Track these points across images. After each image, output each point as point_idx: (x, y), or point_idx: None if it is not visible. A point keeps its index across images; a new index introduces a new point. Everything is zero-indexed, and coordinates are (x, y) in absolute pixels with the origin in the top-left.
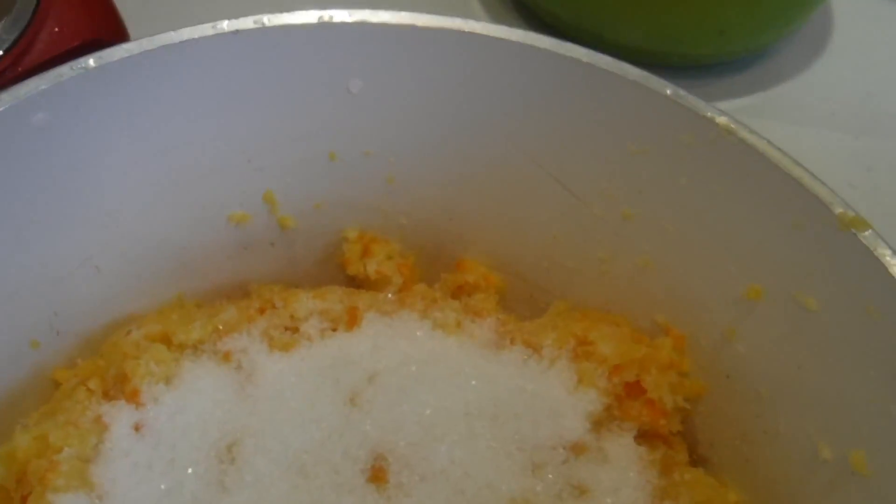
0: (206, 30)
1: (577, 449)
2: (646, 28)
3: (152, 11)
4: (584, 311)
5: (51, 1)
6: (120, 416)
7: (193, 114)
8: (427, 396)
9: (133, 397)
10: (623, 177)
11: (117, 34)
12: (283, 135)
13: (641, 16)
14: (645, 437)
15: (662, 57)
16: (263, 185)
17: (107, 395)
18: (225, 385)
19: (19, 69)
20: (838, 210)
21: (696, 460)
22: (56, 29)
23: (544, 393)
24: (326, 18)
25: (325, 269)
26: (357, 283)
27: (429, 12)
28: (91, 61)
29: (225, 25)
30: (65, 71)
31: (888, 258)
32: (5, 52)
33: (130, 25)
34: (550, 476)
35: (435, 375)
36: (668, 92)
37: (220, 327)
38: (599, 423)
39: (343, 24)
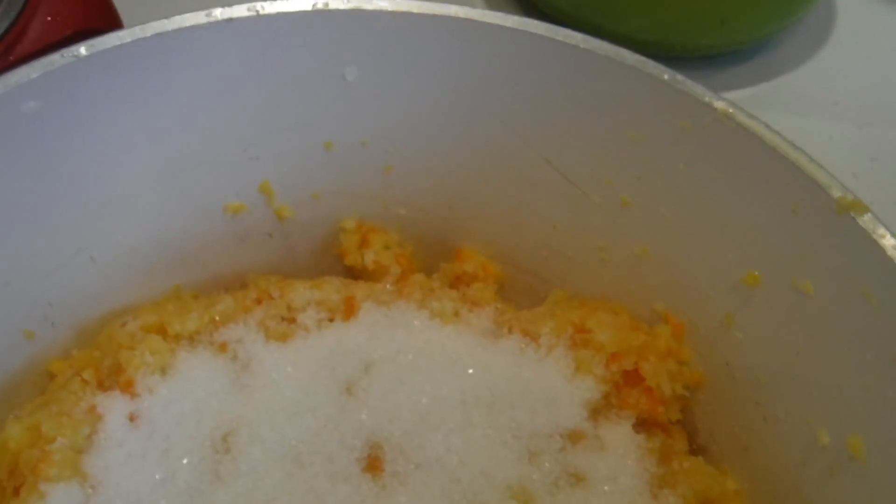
0: (199, 18)
1: (574, 437)
2: (646, 18)
3: None
4: (582, 300)
5: None
6: (114, 407)
7: (187, 103)
8: (423, 385)
9: (128, 387)
10: (621, 163)
11: (110, 23)
12: (278, 124)
13: (642, 5)
14: (643, 425)
15: (663, 47)
16: (260, 176)
17: (102, 386)
18: (220, 375)
19: (10, 58)
20: (837, 193)
21: (696, 449)
22: (48, 18)
23: (541, 381)
24: (321, 5)
25: (323, 259)
26: (355, 273)
27: None
28: (83, 49)
29: (219, 13)
30: (56, 59)
31: (887, 241)
32: None
33: (124, 14)
34: (547, 464)
35: (431, 364)
36: (666, 77)
37: (217, 318)
38: (597, 412)
39: (338, 11)
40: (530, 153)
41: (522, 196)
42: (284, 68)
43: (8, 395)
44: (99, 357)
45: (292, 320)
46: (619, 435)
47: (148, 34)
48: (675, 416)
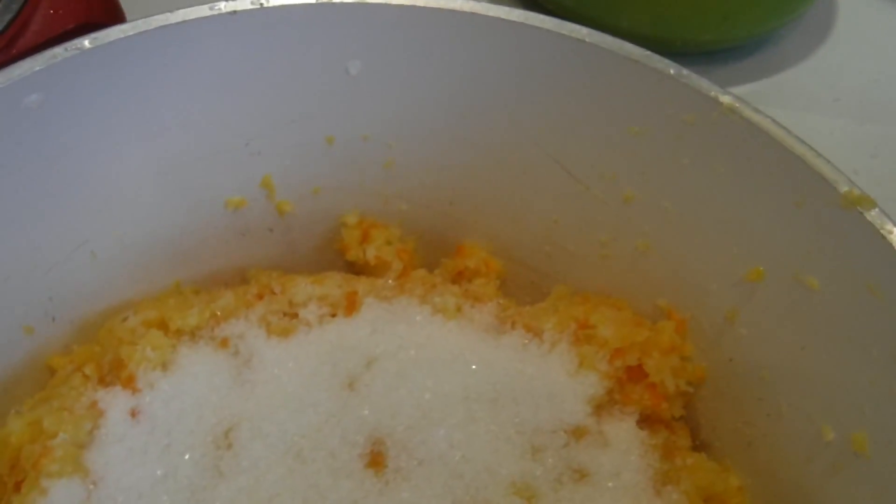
0: (203, 11)
1: (577, 433)
2: (648, 13)
3: None
4: (585, 296)
5: None
6: (115, 402)
7: (190, 96)
8: (426, 381)
9: (129, 383)
10: (625, 158)
11: (113, 16)
12: (280, 118)
13: (644, 1)
14: (647, 421)
15: (665, 43)
16: (261, 170)
17: (103, 382)
18: (222, 371)
19: (13, 52)
20: (843, 188)
21: (699, 446)
22: (51, 11)
23: (544, 376)
24: None
25: (324, 255)
26: (356, 269)
27: None
28: (86, 42)
29: (222, 6)
30: (59, 52)
31: (895, 237)
32: None
33: (126, 7)
34: (550, 460)
35: (434, 360)
36: (672, 71)
37: (218, 313)
38: (600, 407)
39: (342, 5)
40: (533, 148)
41: (525, 191)
42: (288, 62)
43: (8, 390)
44: (100, 352)
45: (294, 316)
46: (623, 431)
47: (151, 27)
48: (679, 413)
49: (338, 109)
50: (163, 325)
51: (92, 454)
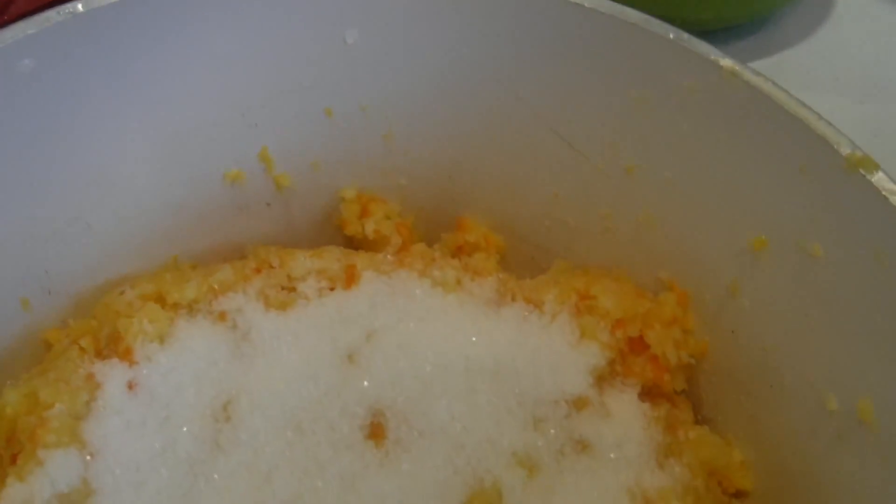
0: None
1: (579, 403)
2: None
3: None
4: (585, 269)
5: None
6: (113, 374)
7: (185, 64)
8: (426, 353)
9: (126, 355)
10: (625, 126)
11: None
12: (278, 88)
13: None
14: (648, 395)
15: (664, 21)
16: (259, 143)
17: (99, 355)
18: (220, 344)
19: (5, 17)
20: (846, 151)
21: (700, 420)
22: None
23: (546, 347)
24: None
25: (322, 230)
26: (355, 244)
27: None
28: (79, 6)
29: None
30: (52, 15)
31: None
32: None
33: None
34: (552, 431)
35: (434, 332)
36: (672, 35)
37: (216, 287)
38: (602, 379)
39: None
40: (533, 118)
41: (524, 164)
42: (284, 30)
43: (4, 365)
44: (96, 326)
45: (292, 289)
46: (625, 403)
47: None
48: (681, 386)
49: (335, 79)
50: (160, 299)
51: (89, 426)
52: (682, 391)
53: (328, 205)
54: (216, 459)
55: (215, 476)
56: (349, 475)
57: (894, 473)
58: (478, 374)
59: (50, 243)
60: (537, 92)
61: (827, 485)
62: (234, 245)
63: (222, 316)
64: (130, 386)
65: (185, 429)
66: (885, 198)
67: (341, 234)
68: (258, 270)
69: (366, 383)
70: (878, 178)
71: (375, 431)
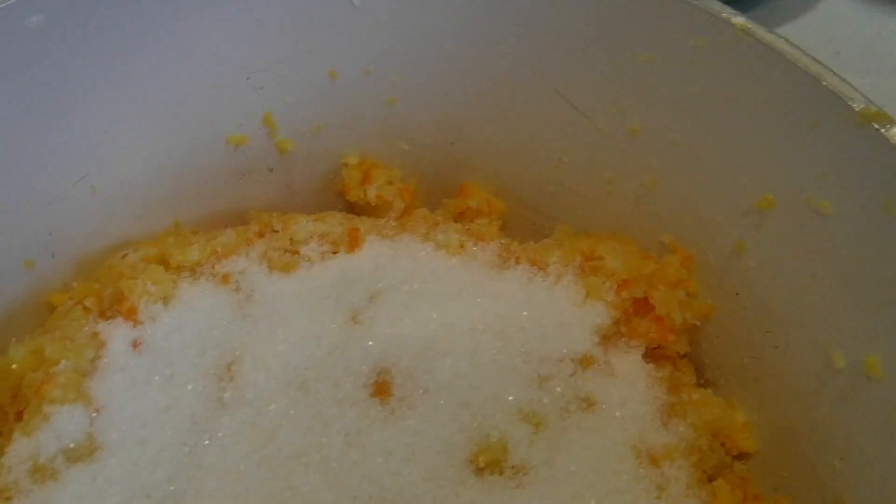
0: None
1: (584, 362)
2: None
3: None
4: (588, 233)
5: None
6: (117, 333)
7: (192, 25)
8: (430, 313)
9: (130, 315)
10: (631, 88)
11: None
12: (282, 50)
13: None
14: (652, 356)
15: None
16: (262, 106)
17: (103, 315)
18: (223, 305)
19: None
20: (860, 105)
21: (703, 384)
22: None
23: (551, 307)
24: None
25: (324, 196)
26: (356, 210)
27: None
28: None
29: None
30: None
31: None
32: None
33: None
34: (558, 388)
35: (438, 293)
36: None
37: (219, 250)
38: (606, 339)
39: None
40: (538, 80)
41: (528, 127)
42: None
43: (8, 325)
44: (99, 288)
45: (295, 252)
46: (629, 363)
47: None
48: (684, 349)
49: (341, 42)
50: (163, 262)
51: (94, 383)
52: (685, 354)
53: (330, 171)
54: (220, 417)
55: (220, 433)
56: (354, 431)
57: None
58: (483, 333)
59: (55, 204)
60: (543, 55)
61: (831, 443)
62: (235, 211)
63: (225, 278)
64: (135, 345)
65: (189, 387)
66: None
67: (342, 199)
68: (261, 234)
69: (370, 343)
70: (894, 133)
71: (381, 389)
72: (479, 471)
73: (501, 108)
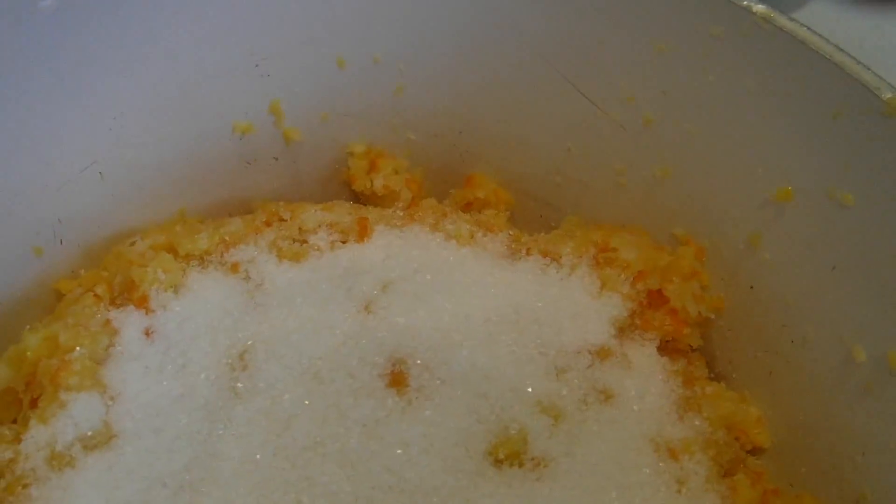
0: None
1: (601, 353)
2: None
3: None
4: (598, 224)
5: None
6: (129, 321)
7: (201, 11)
8: (444, 303)
9: (142, 303)
10: (646, 78)
11: None
12: (291, 36)
13: None
14: (665, 350)
15: None
16: (270, 94)
17: (114, 303)
18: (234, 294)
19: None
20: (887, 95)
21: (715, 377)
22: None
23: (566, 298)
24: None
25: (330, 186)
26: (362, 200)
27: None
28: None
29: None
30: None
31: None
32: None
33: None
34: (576, 380)
35: (451, 283)
36: None
37: (227, 238)
38: (622, 332)
39: None
40: (548, 70)
41: (536, 118)
42: None
43: (17, 311)
44: (108, 277)
45: (304, 242)
46: (645, 356)
47: None
48: (697, 342)
49: (349, 30)
50: (172, 250)
51: (108, 370)
52: (697, 348)
53: (336, 160)
54: (234, 406)
55: (234, 422)
56: (371, 422)
57: None
58: (498, 324)
59: (63, 190)
60: (554, 42)
61: (852, 438)
62: (241, 200)
63: (234, 267)
64: (147, 333)
65: (202, 376)
66: None
67: (348, 189)
68: (268, 223)
69: (384, 333)
70: None
71: (397, 380)
72: (498, 463)
73: (510, 98)
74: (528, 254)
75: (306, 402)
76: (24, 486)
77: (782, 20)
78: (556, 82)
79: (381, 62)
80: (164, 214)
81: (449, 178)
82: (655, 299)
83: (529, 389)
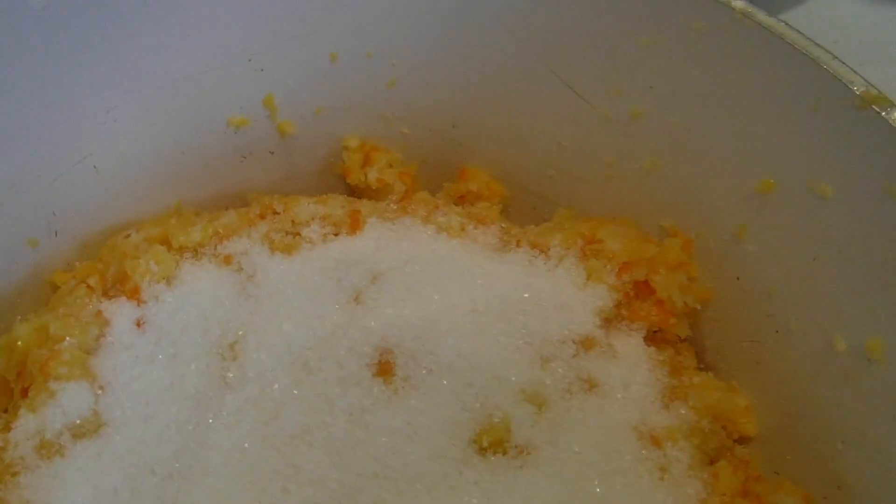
0: None
1: (586, 343)
2: None
3: None
4: (589, 217)
5: None
6: (121, 312)
7: (194, 5)
8: (432, 294)
9: (134, 294)
10: (632, 72)
11: None
12: (284, 31)
13: None
14: (653, 340)
15: None
16: (264, 88)
17: (106, 294)
18: (226, 285)
19: None
20: (860, 89)
21: (703, 368)
22: None
23: (552, 289)
24: None
25: (325, 180)
26: (357, 193)
27: None
28: None
29: None
30: None
31: None
32: None
33: None
34: (560, 370)
35: (440, 274)
36: None
37: (221, 231)
38: (608, 322)
39: None
40: (538, 65)
41: (529, 112)
42: None
43: (11, 303)
44: (102, 269)
45: (297, 234)
46: (631, 346)
47: None
48: (685, 333)
49: (342, 24)
50: (165, 242)
51: (99, 360)
52: (685, 338)
53: (330, 154)
54: (224, 396)
55: (224, 412)
56: (358, 410)
57: None
58: (484, 314)
59: (58, 183)
60: (543, 37)
61: (833, 426)
62: (236, 193)
63: (228, 259)
64: (138, 323)
65: (192, 366)
66: None
67: (343, 182)
68: (262, 216)
69: (373, 323)
70: (894, 116)
71: (383, 369)
72: (483, 450)
73: (502, 93)
74: (517, 246)
75: (295, 392)
76: (14, 475)
77: (760, 16)
78: (547, 77)
79: (375, 56)
80: (159, 206)
81: (443, 172)
82: (642, 290)
83: (513, 378)
